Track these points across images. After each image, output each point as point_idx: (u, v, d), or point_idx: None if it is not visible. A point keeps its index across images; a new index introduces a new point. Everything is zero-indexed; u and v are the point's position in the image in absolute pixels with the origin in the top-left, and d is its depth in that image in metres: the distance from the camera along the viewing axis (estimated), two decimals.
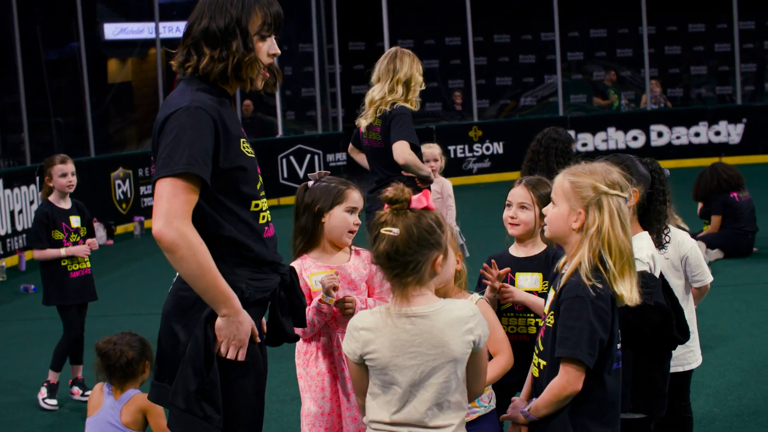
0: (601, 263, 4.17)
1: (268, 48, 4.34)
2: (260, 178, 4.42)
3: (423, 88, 8.58)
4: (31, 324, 11.67)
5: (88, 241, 8.80)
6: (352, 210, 5.35)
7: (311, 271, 5.30)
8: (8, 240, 15.42)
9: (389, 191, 3.94)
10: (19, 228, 15.69)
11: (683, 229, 10.93)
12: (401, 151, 8.19)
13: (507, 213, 5.51)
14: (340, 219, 5.33)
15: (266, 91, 4.54)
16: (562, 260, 4.39)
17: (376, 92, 8.42)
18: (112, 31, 24.21)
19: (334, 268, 5.27)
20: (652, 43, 25.55)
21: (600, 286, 4.13)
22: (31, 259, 15.70)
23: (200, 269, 4.02)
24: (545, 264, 5.35)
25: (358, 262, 5.38)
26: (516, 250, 5.55)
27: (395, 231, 3.89)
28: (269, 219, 4.43)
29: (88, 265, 8.85)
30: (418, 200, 3.95)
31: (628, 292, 4.17)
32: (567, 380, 4.15)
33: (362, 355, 3.92)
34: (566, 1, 24.45)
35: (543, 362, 4.33)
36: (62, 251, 8.57)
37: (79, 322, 8.72)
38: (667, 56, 27.41)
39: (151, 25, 21.73)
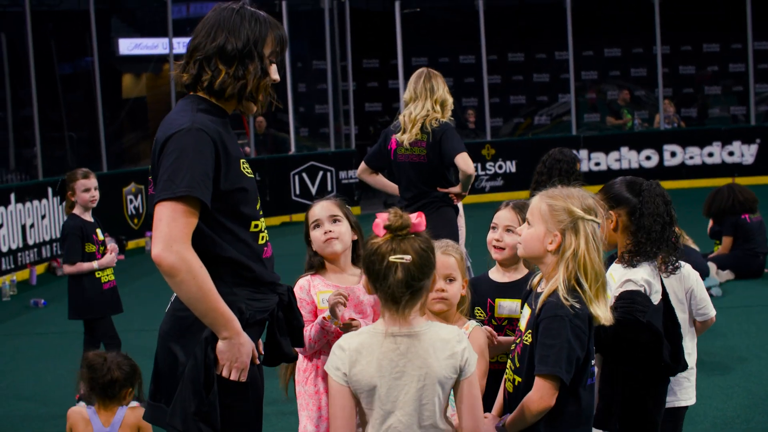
0: (578, 284, 4.26)
1: (272, 73, 4.37)
2: (258, 199, 4.43)
3: (452, 109, 8.80)
4: (40, 338, 11.67)
5: (110, 246, 8.85)
6: (315, 225, 5.36)
7: (320, 288, 5.30)
8: (19, 254, 15.43)
9: (388, 219, 3.87)
10: (30, 242, 15.70)
11: (694, 249, 10.96)
12: (467, 163, 8.40)
13: (492, 235, 5.45)
14: (314, 239, 5.37)
15: (251, 123, 4.58)
16: (537, 278, 4.50)
17: (417, 109, 8.58)
18: (127, 46, 24.30)
19: (341, 288, 5.24)
20: (667, 62, 25.51)
21: (578, 305, 4.22)
22: (42, 274, 15.76)
23: (200, 292, 4.02)
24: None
25: (364, 288, 5.35)
26: (497, 275, 5.49)
27: (407, 258, 3.84)
28: (267, 239, 4.43)
29: (114, 276, 8.88)
30: (418, 224, 3.93)
31: (604, 312, 4.29)
32: (540, 396, 4.23)
33: (346, 374, 3.86)
34: (580, 20, 24.42)
35: (518, 378, 4.41)
36: (95, 264, 8.62)
37: (114, 332, 8.73)
38: (682, 76, 27.39)
39: (165, 40, 21.78)
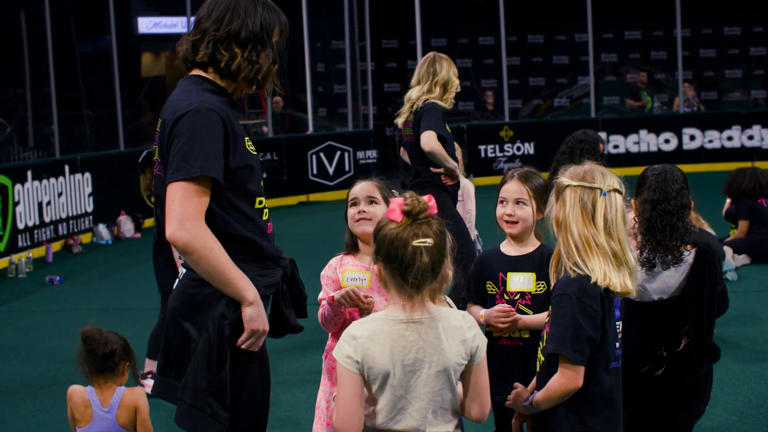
0: (579, 256, 4.25)
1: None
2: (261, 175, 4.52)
3: (458, 90, 9.06)
4: (54, 316, 11.70)
5: None
6: (352, 203, 5.35)
7: (347, 267, 5.31)
8: (36, 231, 15.46)
9: (405, 203, 3.82)
10: (47, 219, 15.74)
11: (710, 233, 10.91)
12: (427, 139, 8.67)
13: (502, 210, 5.34)
14: (348, 216, 5.37)
15: (269, 102, 4.71)
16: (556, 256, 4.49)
17: (414, 92, 8.94)
18: (146, 25, 24.30)
19: (369, 269, 5.24)
20: (687, 45, 25.39)
21: (586, 282, 4.19)
22: (58, 251, 15.79)
23: (218, 266, 4.13)
24: (539, 263, 5.23)
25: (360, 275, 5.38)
26: (508, 248, 5.41)
27: (430, 241, 3.79)
28: (269, 215, 4.51)
29: None
30: (433, 206, 3.87)
31: (622, 281, 4.26)
32: (567, 377, 4.23)
33: (358, 362, 3.81)
34: (600, 2, 24.32)
35: (542, 357, 4.43)
36: None
37: None
38: (702, 59, 27.25)
39: (184, 19, 21.78)
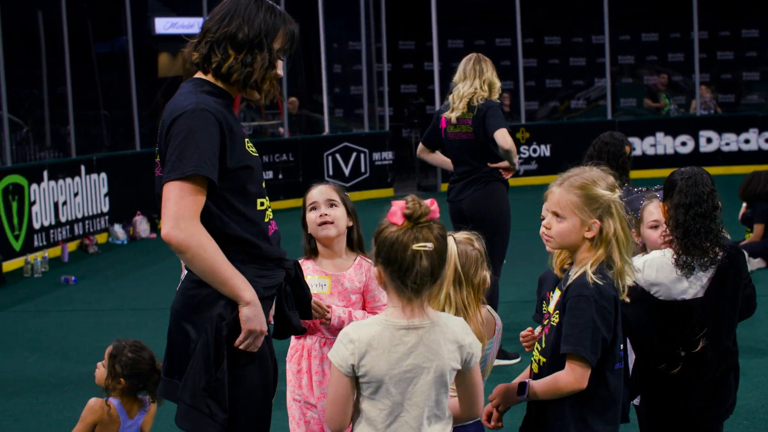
0: (608, 265, 4.31)
1: (278, 68, 4.44)
2: (263, 177, 4.53)
3: (500, 93, 9.25)
4: (68, 316, 11.74)
5: None
6: (312, 207, 5.40)
7: (307, 273, 5.32)
8: (52, 231, 15.51)
9: (407, 206, 3.79)
10: (63, 219, 15.78)
11: (725, 237, 10.80)
12: (504, 138, 8.80)
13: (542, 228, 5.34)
14: (309, 221, 5.41)
15: (285, 104, 4.70)
16: (556, 260, 4.55)
17: (465, 88, 9.03)
18: (163, 25, 24.31)
19: (329, 275, 5.34)
20: (705, 48, 25.31)
21: (602, 283, 4.24)
22: (74, 251, 15.83)
23: (214, 265, 4.15)
24: None
25: (355, 273, 5.41)
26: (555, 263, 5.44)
27: (430, 245, 3.76)
28: (272, 217, 4.52)
29: None
30: (435, 210, 3.85)
31: (629, 278, 4.38)
32: (575, 378, 4.25)
33: (354, 365, 3.78)
34: (617, 4, 24.27)
35: (543, 359, 4.43)
36: None
37: None
38: (720, 61, 27.17)
39: (201, 20, 21.78)
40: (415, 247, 3.75)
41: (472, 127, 9.03)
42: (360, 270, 5.38)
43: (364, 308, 5.39)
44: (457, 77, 9.15)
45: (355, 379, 3.81)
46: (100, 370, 5.67)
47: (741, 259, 5.22)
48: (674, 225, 5.17)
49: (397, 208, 3.81)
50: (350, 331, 3.85)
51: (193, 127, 4.15)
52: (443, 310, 4.62)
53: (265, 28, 4.34)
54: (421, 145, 9.66)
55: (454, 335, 3.86)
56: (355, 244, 5.46)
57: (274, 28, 4.37)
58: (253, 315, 4.20)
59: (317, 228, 5.34)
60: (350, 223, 5.45)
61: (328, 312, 5.18)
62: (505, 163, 9.09)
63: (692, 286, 5.09)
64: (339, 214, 5.38)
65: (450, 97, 9.18)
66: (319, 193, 5.42)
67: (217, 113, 4.22)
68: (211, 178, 4.13)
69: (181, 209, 4.10)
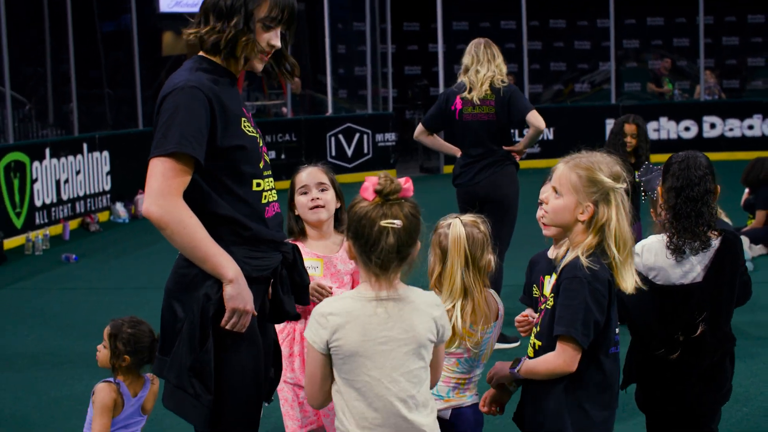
0: (602, 252, 4.28)
1: (268, 38, 4.35)
2: (265, 158, 4.47)
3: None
4: (69, 293, 11.74)
5: None
6: (302, 192, 5.43)
7: None
8: (53, 209, 15.51)
9: (378, 183, 3.79)
10: (64, 197, 15.77)
11: (726, 223, 10.83)
12: (539, 119, 8.93)
13: (538, 213, 5.25)
14: (300, 204, 5.43)
15: (288, 83, 4.63)
16: (564, 247, 4.46)
17: (484, 69, 9.04)
18: (168, 3, 24.24)
19: (321, 257, 5.35)
20: (710, 33, 25.25)
21: (596, 267, 4.22)
22: (75, 229, 15.83)
23: (193, 242, 4.13)
24: None
25: (346, 255, 5.36)
26: (551, 251, 5.39)
27: (398, 222, 3.76)
28: (271, 199, 4.47)
29: None
30: (408, 188, 3.84)
31: (630, 279, 4.31)
32: (564, 360, 4.24)
33: (329, 342, 3.78)
34: None
35: (539, 342, 4.42)
36: None
37: None
38: (725, 47, 27.10)
39: None
40: (382, 223, 3.75)
41: (494, 108, 9.05)
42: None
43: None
44: (468, 60, 9.12)
45: (329, 357, 3.80)
46: (102, 352, 5.64)
47: (738, 244, 5.21)
48: (666, 208, 5.18)
49: (369, 184, 3.81)
50: (323, 306, 3.85)
51: (180, 105, 4.14)
52: (449, 292, 4.63)
53: None
54: (420, 127, 9.52)
55: (426, 307, 3.87)
56: (342, 224, 5.46)
57: None
58: (236, 293, 4.16)
59: (308, 212, 5.36)
60: (338, 205, 5.49)
61: (331, 294, 5.16)
62: (518, 146, 9.20)
63: (691, 271, 5.09)
64: (329, 197, 5.41)
65: (465, 78, 9.14)
66: (309, 176, 5.43)
67: (208, 90, 4.19)
68: (193, 155, 4.11)
69: (161, 186, 4.09)
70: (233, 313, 4.17)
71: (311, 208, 5.36)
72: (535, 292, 5.27)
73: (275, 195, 4.51)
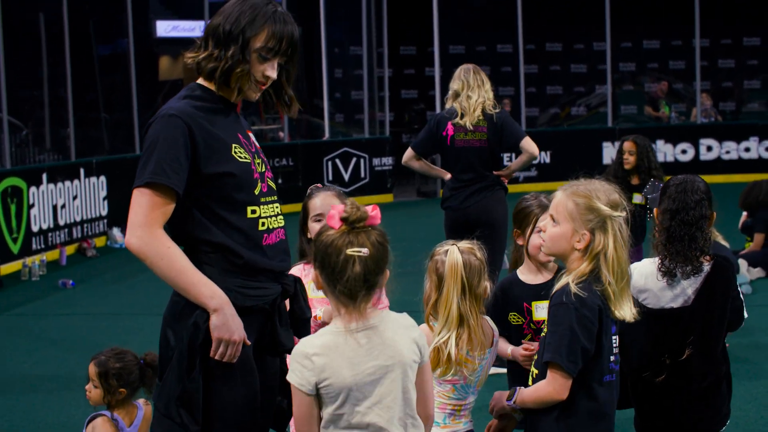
0: (597, 279, 4.24)
1: (264, 69, 4.31)
2: (264, 183, 4.39)
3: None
4: (66, 319, 11.70)
5: None
6: (317, 218, 5.41)
7: (311, 277, 5.28)
8: (50, 234, 15.49)
9: (345, 210, 3.74)
10: (61, 222, 15.75)
11: (724, 246, 10.83)
12: (533, 146, 9.07)
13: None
14: (313, 230, 5.39)
15: (288, 115, 4.64)
16: (561, 275, 4.44)
17: (475, 95, 9.10)
18: (164, 28, 24.33)
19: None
20: (706, 55, 25.30)
21: (585, 294, 4.18)
22: (72, 254, 15.80)
23: (172, 272, 4.11)
24: None
25: None
26: (528, 276, 5.32)
27: (365, 251, 3.71)
28: (274, 225, 4.39)
29: None
30: (375, 216, 3.80)
31: (627, 309, 4.29)
32: (553, 387, 4.23)
33: (318, 383, 3.71)
34: (619, 11, 24.25)
35: (536, 371, 4.42)
36: None
37: None
38: (721, 69, 27.14)
39: (203, 23, 21.81)
40: (349, 251, 3.70)
41: (487, 135, 9.08)
42: None
43: None
44: (458, 86, 9.16)
45: (315, 399, 3.74)
46: (94, 392, 5.62)
47: (730, 270, 5.20)
48: (660, 230, 5.18)
49: (336, 212, 3.76)
50: (304, 347, 3.77)
51: (158, 134, 4.15)
52: (445, 319, 4.60)
53: (244, 23, 4.24)
54: (410, 152, 9.47)
55: (405, 329, 3.84)
56: None
57: (254, 26, 4.25)
58: (221, 323, 4.11)
59: None
60: None
61: None
62: (506, 171, 9.29)
63: (682, 295, 5.08)
64: None
65: (456, 104, 9.16)
66: (323, 204, 5.40)
67: (188, 118, 4.17)
68: (169, 185, 4.10)
69: (138, 217, 4.12)
70: (220, 342, 4.12)
71: None
72: (516, 319, 5.25)
73: (281, 221, 4.44)
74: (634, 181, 10.47)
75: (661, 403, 5.15)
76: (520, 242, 5.35)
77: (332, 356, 3.71)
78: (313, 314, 5.03)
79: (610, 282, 4.23)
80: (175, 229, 4.28)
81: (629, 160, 10.52)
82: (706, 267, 5.11)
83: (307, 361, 3.71)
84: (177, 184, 4.11)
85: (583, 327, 4.17)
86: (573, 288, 4.19)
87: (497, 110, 9.13)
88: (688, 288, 5.08)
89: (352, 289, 3.71)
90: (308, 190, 5.63)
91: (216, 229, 4.21)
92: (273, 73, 4.33)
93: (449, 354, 4.52)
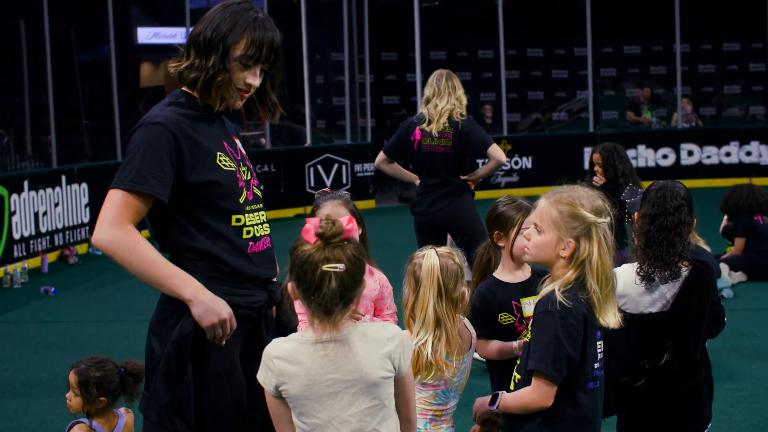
0: (582, 287, 4.24)
1: (245, 77, 4.31)
2: (249, 192, 4.39)
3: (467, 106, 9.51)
4: (48, 327, 11.66)
5: None
6: None
7: None
8: (32, 242, 15.44)
9: (320, 225, 3.71)
10: (43, 230, 15.70)
11: (705, 250, 10.91)
12: (500, 152, 9.25)
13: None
14: None
15: (270, 122, 4.63)
16: (543, 280, 4.44)
17: (443, 102, 9.21)
18: (145, 35, 24.32)
19: None
20: (686, 61, 25.39)
21: (570, 303, 4.18)
22: (54, 262, 15.76)
23: (143, 266, 4.09)
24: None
25: (368, 281, 5.28)
26: (508, 276, 5.34)
27: (341, 266, 3.67)
28: (260, 233, 4.40)
29: None
30: (350, 230, 3.75)
31: (612, 316, 4.29)
32: (538, 395, 4.23)
33: (277, 386, 3.73)
34: (600, 17, 24.32)
35: (518, 376, 4.42)
36: None
37: None
38: (701, 75, 27.24)
39: (184, 30, 21.79)
40: (324, 267, 3.66)
41: (452, 141, 9.18)
42: (373, 278, 5.33)
43: (376, 315, 5.35)
44: (430, 92, 9.32)
45: (284, 400, 3.76)
46: (74, 400, 5.60)
47: (709, 275, 5.21)
48: (639, 234, 5.20)
49: (311, 226, 3.73)
50: (271, 347, 3.79)
51: (142, 141, 4.13)
52: (422, 322, 4.62)
53: (224, 30, 4.24)
54: (382, 155, 9.65)
55: (375, 342, 3.76)
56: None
57: (234, 34, 4.25)
58: (203, 311, 4.11)
59: None
60: (359, 231, 5.35)
61: (360, 318, 5.05)
62: (474, 176, 9.39)
63: (660, 299, 5.11)
64: None
65: (425, 110, 9.31)
66: (330, 212, 5.32)
67: (174, 127, 4.16)
68: (149, 193, 4.09)
69: (108, 214, 4.10)
70: (211, 328, 4.13)
71: None
72: (506, 318, 5.28)
73: (267, 229, 4.44)
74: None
75: (640, 408, 5.18)
76: (501, 244, 5.37)
77: (292, 363, 3.71)
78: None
79: (595, 290, 4.23)
80: (160, 237, 4.29)
81: (597, 178, 10.83)
82: (685, 272, 5.14)
83: (270, 362, 3.74)
84: (160, 192, 4.10)
85: (568, 335, 4.18)
86: (559, 296, 4.20)
87: (463, 118, 9.23)
88: (666, 293, 5.10)
89: (328, 304, 3.68)
90: (315, 197, 5.57)
91: (202, 236, 4.21)
92: (255, 81, 4.32)
93: (427, 356, 4.53)
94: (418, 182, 9.48)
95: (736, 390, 8.27)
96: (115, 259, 4.10)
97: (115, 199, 4.11)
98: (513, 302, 5.25)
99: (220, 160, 4.27)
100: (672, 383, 5.12)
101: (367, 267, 5.29)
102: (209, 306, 4.12)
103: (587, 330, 4.25)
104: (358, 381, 3.71)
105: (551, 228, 4.30)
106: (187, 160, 4.17)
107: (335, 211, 5.33)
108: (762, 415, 7.72)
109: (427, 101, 9.30)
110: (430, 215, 9.29)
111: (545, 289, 4.31)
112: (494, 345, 5.21)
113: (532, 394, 4.24)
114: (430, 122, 9.22)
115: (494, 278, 5.37)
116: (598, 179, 10.79)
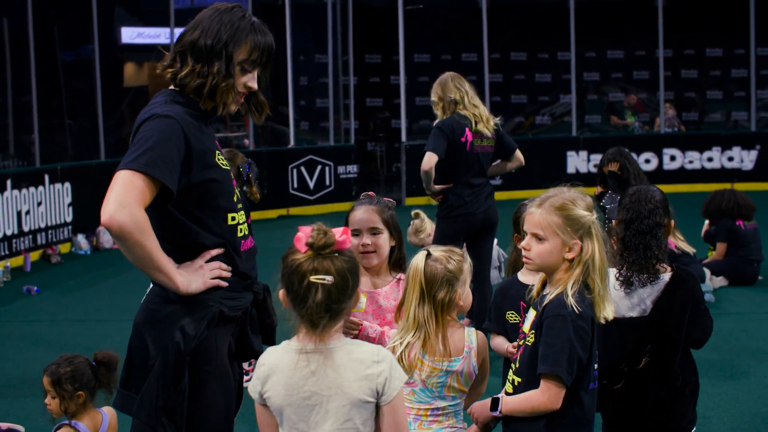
0: (585, 286, 4.29)
1: (245, 80, 4.35)
2: (236, 192, 4.42)
3: None
4: (31, 326, 11.64)
5: None
6: (354, 233, 5.17)
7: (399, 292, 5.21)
8: (14, 240, 15.41)
9: (310, 235, 3.66)
10: (25, 229, 15.68)
11: (688, 253, 10.96)
12: (520, 155, 9.81)
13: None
14: (352, 244, 5.24)
15: (255, 122, 4.65)
16: (539, 282, 4.50)
17: (481, 104, 9.50)
18: (129, 35, 24.28)
19: (365, 292, 5.12)
20: (669, 66, 25.45)
21: (580, 308, 4.22)
22: (36, 260, 15.73)
23: (152, 253, 4.04)
24: None
25: (392, 290, 5.21)
26: (527, 277, 5.44)
27: (329, 279, 3.60)
28: (247, 232, 4.45)
29: None
30: (343, 241, 3.69)
31: (609, 310, 4.36)
32: (548, 398, 4.24)
33: (261, 393, 3.72)
34: (583, 21, 24.37)
35: (518, 379, 4.42)
36: None
37: None
38: (684, 80, 27.32)
39: (168, 30, 21.76)
40: (312, 278, 3.61)
41: (494, 141, 9.50)
42: (397, 288, 5.17)
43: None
44: (457, 96, 9.34)
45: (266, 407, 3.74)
46: (52, 404, 5.59)
47: (690, 282, 5.24)
48: (617, 240, 5.24)
49: (303, 235, 3.68)
50: (263, 355, 3.78)
51: (157, 130, 4.10)
52: (405, 323, 4.61)
53: (225, 37, 4.26)
54: (435, 157, 9.17)
55: (357, 363, 3.67)
56: (395, 262, 5.27)
57: (237, 39, 4.28)
58: (192, 279, 4.19)
59: (359, 255, 5.09)
60: (393, 243, 5.25)
61: (355, 329, 4.93)
62: (492, 173, 9.77)
63: (640, 304, 5.14)
64: (381, 241, 5.17)
65: (466, 112, 9.31)
66: (361, 220, 5.19)
67: (184, 124, 4.17)
68: (162, 180, 4.03)
69: (128, 194, 3.97)
70: (215, 279, 4.24)
71: (361, 253, 5.12)
72: (513, 318, 5.33)
73: (250, 228, 4.49)
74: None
75: (620, 410, 5.21)
76: (520, 246, 5.40)
77: (275, 371, 3.69)
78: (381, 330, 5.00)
79: (598, 285, 4.30)
80: (165, 236, 4.26)
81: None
82: (666, 277, 5.17)
83: (258, 370, 3.72)
84: (170, 182, 4.07)
85: (579, 338, 4.22)
86: (570, 300, 4.23)
87: (497, 119, 9.55)
88: (647, 298, 5.14)
89: (313, 316, 3.62)
90: (359, 198, 5.48)
91: (202, 231, 4.25)
92: (254, 84, 4.39)
93: (400, 356, 4.51)
94: (437, 188, 9.36)
95: (717, 393, 8.29)
96: (128, 241, 3.96)
97: (132, 180, 3.99)
98: (521, 303, 5.31)
99: (218, 159, 4.32)
100: (650, 387, 5.15)
101: (398, 276, 5.23)
102: (194, 280, 4.19)
103: (593, 331, 4.32)
104: (338, 397, 3.64)
105: (555, 234, 4.33)
106: (194, 157, 4.18)
107: (366, 217, 5.17)
108: (741, 418, 7.75)
109: (456, 103, 9.32)
110: (481, 214, 9.40)
111: (553, 293, 4.32)
112: (497, 340, 5.30)
113: (541, 397, 4.26)
114: (477, 123, 9.31)
115: (515, 277, 5.50)
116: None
